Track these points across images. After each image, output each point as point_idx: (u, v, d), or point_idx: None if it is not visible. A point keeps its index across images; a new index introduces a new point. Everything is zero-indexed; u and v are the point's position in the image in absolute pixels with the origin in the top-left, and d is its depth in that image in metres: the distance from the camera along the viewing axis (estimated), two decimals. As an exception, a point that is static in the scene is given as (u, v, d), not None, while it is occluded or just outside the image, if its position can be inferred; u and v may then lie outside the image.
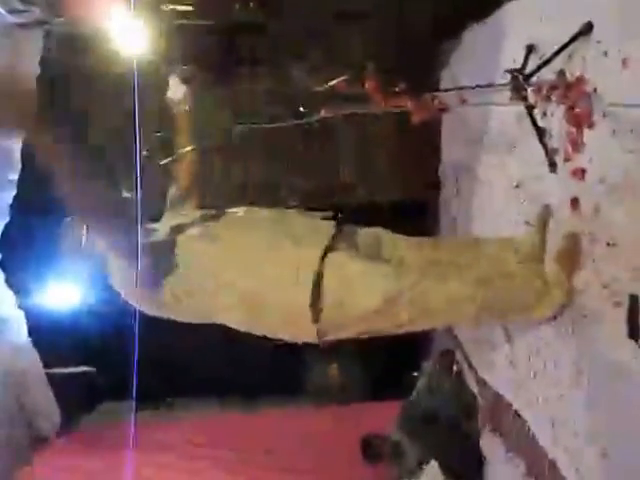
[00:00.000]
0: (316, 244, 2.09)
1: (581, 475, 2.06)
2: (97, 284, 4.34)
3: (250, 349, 4.07)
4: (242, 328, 2.18)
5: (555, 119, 2.29)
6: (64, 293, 4.57)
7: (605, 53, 1.99)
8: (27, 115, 2.12)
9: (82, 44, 4.23)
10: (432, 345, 4.71)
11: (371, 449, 3.62)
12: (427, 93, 2.20)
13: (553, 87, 2.21)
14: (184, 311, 2.17)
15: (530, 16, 2.64)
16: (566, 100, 2.13)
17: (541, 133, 2.33)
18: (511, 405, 2.80)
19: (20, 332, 4.28)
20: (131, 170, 4.23)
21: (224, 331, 2.20)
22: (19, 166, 3.86)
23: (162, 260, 2.06)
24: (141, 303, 2.18)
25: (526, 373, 2.58)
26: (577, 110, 2.09)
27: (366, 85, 2.08)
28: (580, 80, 2.09)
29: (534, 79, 2.25)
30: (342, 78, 2.28)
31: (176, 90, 2.51)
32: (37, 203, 4.47)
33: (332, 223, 2.21)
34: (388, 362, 4.69)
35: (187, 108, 2.51)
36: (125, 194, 4.46)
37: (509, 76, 2.26)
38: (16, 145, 3.77)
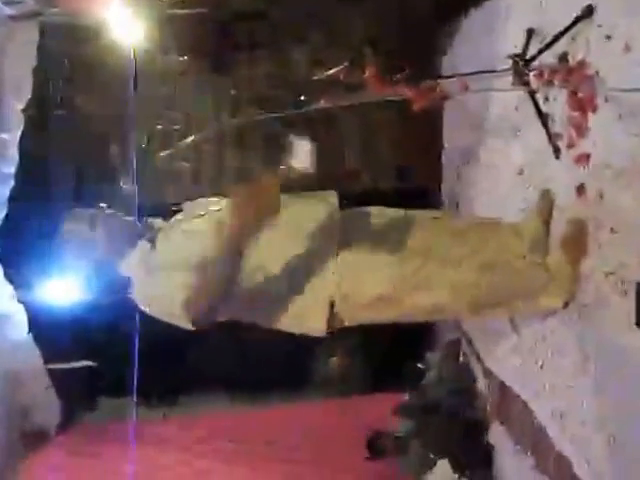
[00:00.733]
0: (329, 237, 2.07)
1: (591, 465, 2.05)
2: (99, 278, 4.36)
3: (253, 344, 4.09)
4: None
5: (558, 104, 2.27)
6: (65, 287, 4.56)
7: (607, 37, 1.96)
8: None
9: (77, 35, 4.20)
10: (436, 336, 4.70)
11: (377, 446, 3.62)
12: (428, 80, 2.18)
13: (555, 71, 2.18)
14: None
15: (530, 0, 2.61)
16: (568, 84, 2.11)
17: (544, 118, 2.30)
18: (518, 396, 2.78)
19: (20, 327, 4.27)
20: (129, 162, 4.26)
21: (228, 326, 2.17)
22: (16, 159, 3.84)
23: None
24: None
25: (532, 362, 2.57)
26: (580, 94, 2.06)
27: (366, 73, 2.05)
28: (582, 64, 2.07)
29: (535, 64, 2.22)
30: (342, 66, 2.25)
31: (302, 158, 2.28)
32: (35, 196, 4.47)
33: (337, 209, 2.16)
34: (391, 354, 4.68)
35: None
36: (123, 185, 4.46)
37: (510, 61, 2.23)
38: (12, 138, 3.74)
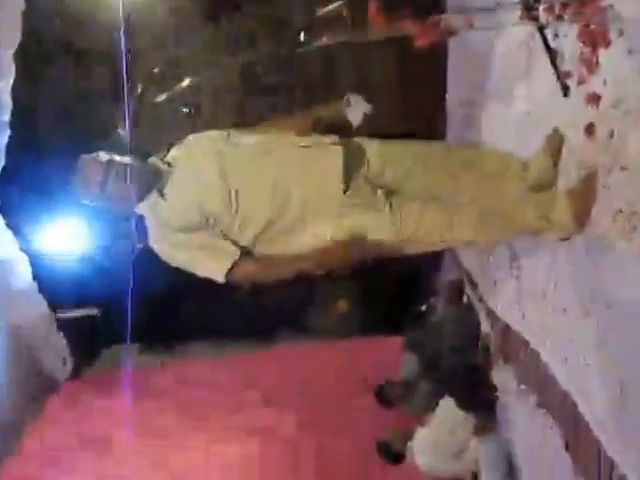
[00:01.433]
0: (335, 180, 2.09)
1: (594, 408, 2.06)
2: (105, 226, 4.34)
3: (256, 289, 4.08)
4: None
5: (568, 40, 2.18)
6: (69, 235, 4.56)
7: (622, -35, 1.87)
8: None
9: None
10: (439, 278, 4.70)
11: (384, 394, 3.66)
12: (432, 16, 2.09)
13: (565, 5, 2.09)
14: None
15: None
16: (580, 17, 2.02)
17: (553, 55, 2.22)
18: (522, 337, 2.79)
19: (24, 275, 4.28)
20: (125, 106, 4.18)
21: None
22: (9, 106, 3.76)
23: None
24: None
25: (536, 304, 2.56)
26: (592, 27, 1.98)
27: (368, 8, 1.97)
28: (595, -5, 1.98)
29: (545, -4, 2.13)
30: (341, 1, 2.16)
31: (356, 114, 2.28)
32: (33, 144, 4.40)
33: (340, 152, 2.13)
34: (395, 297, 4.70)
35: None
36: (120, 131, 4.39)
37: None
38: (4, 85, 3.65)
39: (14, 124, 3.83)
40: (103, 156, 2.06)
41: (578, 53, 2.09)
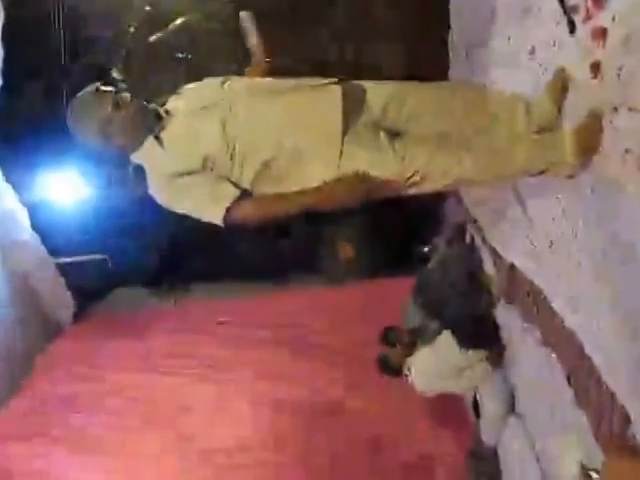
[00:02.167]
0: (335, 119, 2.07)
1: (601, 347, 2.09)
2: (107, 170, 4.31)
3: (264, 232, 4.09)
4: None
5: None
6: (71, 182, 4.55)
7: None
8: None
9: None
10: (443, 219, 4.70)
11: (390, 338, 3.68)
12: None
13: None
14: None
15: None
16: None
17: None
18: (527, 276, 2.80)
19: (23, 226, 4.27)
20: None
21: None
22: (1, 52, 3.68)
23: None
24: None
25: (542, 240, 2.56)
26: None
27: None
28: None
29: None
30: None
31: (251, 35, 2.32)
32: (27, 88, 4.33)
33: (339, 91, 2.10)
34: (399, 239, 4.70)
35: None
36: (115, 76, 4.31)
37: None
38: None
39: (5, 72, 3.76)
40: (106, 87, 2.01)
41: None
